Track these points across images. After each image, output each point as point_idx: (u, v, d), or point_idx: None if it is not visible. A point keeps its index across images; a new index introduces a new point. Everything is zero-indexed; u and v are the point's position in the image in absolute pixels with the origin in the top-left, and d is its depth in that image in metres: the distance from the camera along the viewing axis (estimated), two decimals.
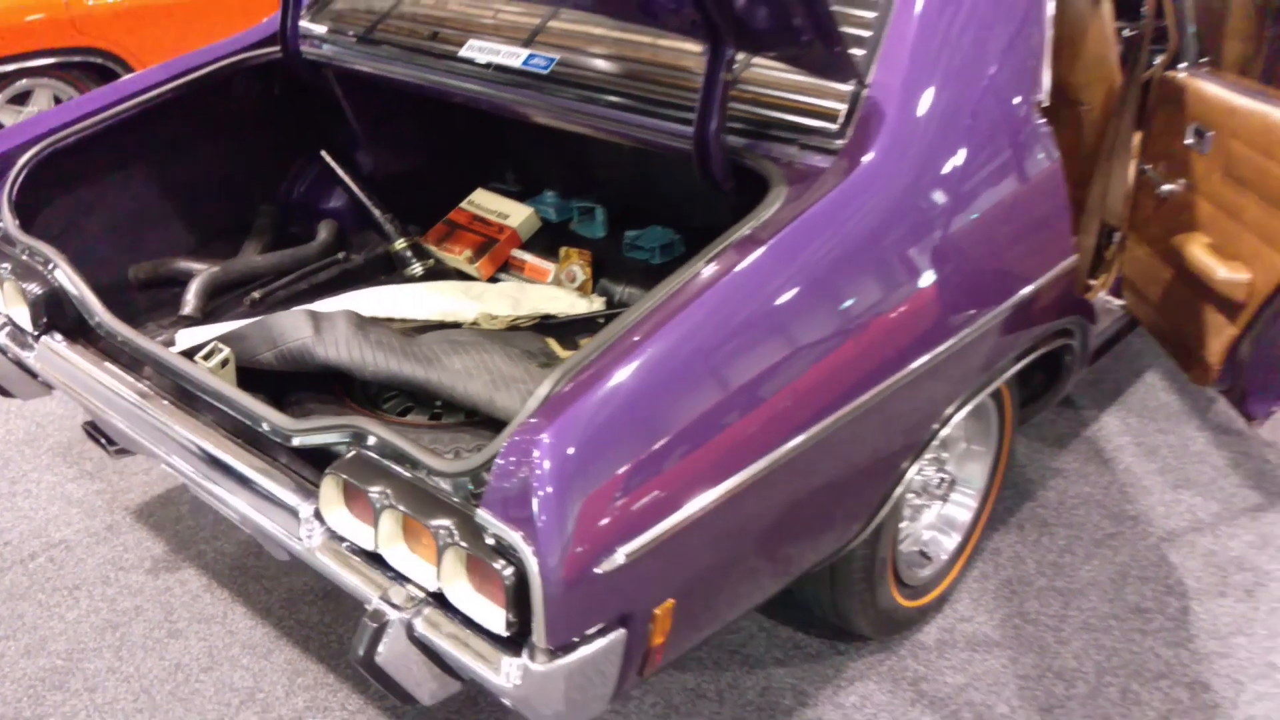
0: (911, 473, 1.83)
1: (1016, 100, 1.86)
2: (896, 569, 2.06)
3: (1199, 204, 2.33)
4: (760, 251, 1.50)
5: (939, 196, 1.70)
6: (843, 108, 1.72)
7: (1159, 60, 2.47)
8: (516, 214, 2.57)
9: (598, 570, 1.24)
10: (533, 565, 1.21)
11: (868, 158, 1.65)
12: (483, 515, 1.26)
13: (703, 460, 1.35)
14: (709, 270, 1.48)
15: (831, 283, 1.54)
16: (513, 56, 2.09)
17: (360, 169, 2.64)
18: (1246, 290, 2.11)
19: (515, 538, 1.22)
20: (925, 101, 1.73)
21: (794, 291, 1.50)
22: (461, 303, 2.26)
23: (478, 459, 1.33)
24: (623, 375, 1.32)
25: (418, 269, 2.51)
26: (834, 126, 1.70)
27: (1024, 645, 2.19)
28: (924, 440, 1.79)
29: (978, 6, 1.85)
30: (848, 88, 1.72)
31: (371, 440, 1.46)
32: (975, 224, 1.75)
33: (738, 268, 1.47)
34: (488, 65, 2.12)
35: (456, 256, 2.53)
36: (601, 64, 1.99)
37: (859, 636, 2.16)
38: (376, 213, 2.56)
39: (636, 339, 1.37)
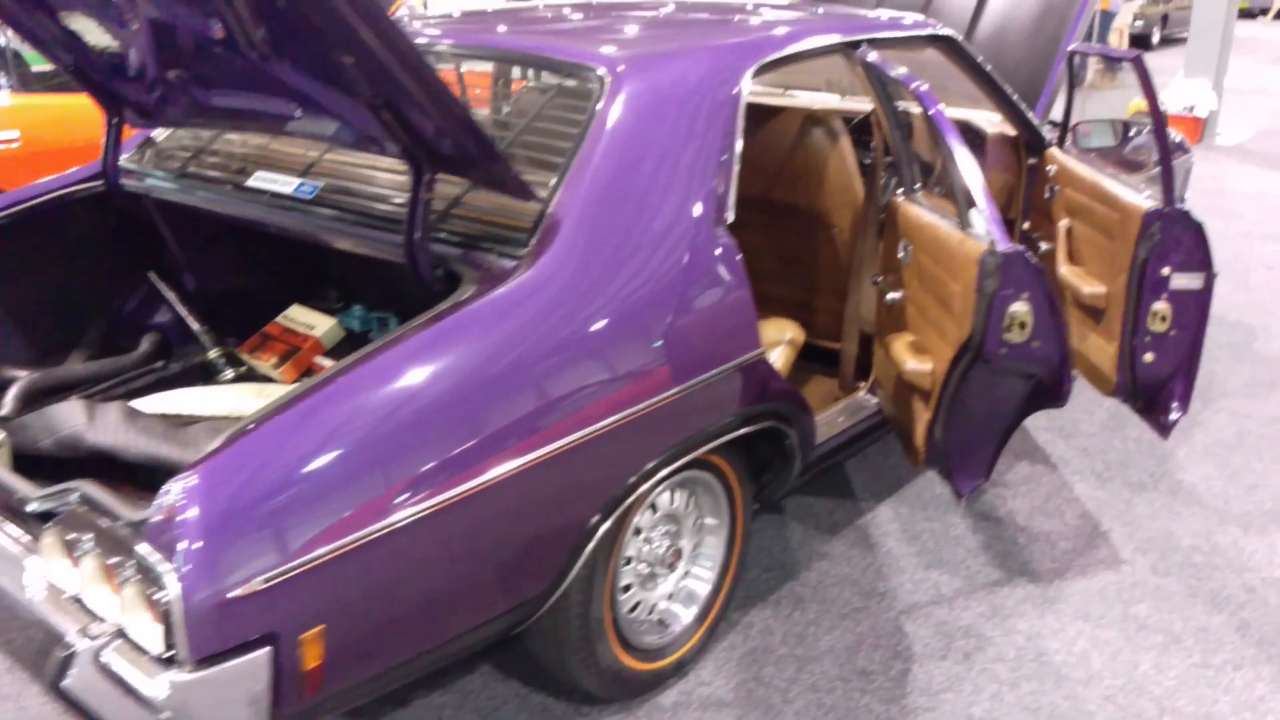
0: (611, 535, 2.09)
1: (696, 217, 2.19)
2: (622, 631, 2.29)
3: (908, 308, 2.67)
4: (428, 331, 1.80)
5: (608, 293, 2.01)
6: (529, 222, 2.04)
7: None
8: (321, 325, 2.86)
9: (234, 593, 1.49)
10: (175, 588, 1.46)
11: (543, 261, 1.97)
12: (142, 548, 1.50)
13: (347, 504, 1.61)
14: (381, 347, 1.77)
15: (496, 356, 1.84)
16: (287, 185, 2.42)
17: (187, 287, 2.93)
18: (930, 379, 2.43)
19: (163, 564, 1.47)
20: (602, 217, 2.06)
21: (457, 360, 1.79)
22: (250, 400, 2.53)
23: (153, 506, 1.58)
24: (276, 430, 1.59)
25: (229, 375, 2.78)
26: (522, 237, 2.03)
27: (752, 705, 2.40)
28: (610, 506, 2.05)
29: (660, 144, 2.21)
30: (535, 206, 2.05)
31: (86, 498, 1.71)
32: (645, 317, 2.05)
33: (403, 343, 1.77)
34: (269, 193, 2.44)
35: (265, 364, 2.80)
36: (353, 187, 2.33)
37: (601, 699, 2.37)
38: (195, 326, 2.85)
39: (302, 401, 1.65)
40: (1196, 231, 2.73)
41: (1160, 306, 2.77)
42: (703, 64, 2.37)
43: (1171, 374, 2.86)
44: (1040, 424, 3.75)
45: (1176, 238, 2.73)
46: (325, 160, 2.47)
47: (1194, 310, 2.78)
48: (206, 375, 2.83)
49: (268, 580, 1.52)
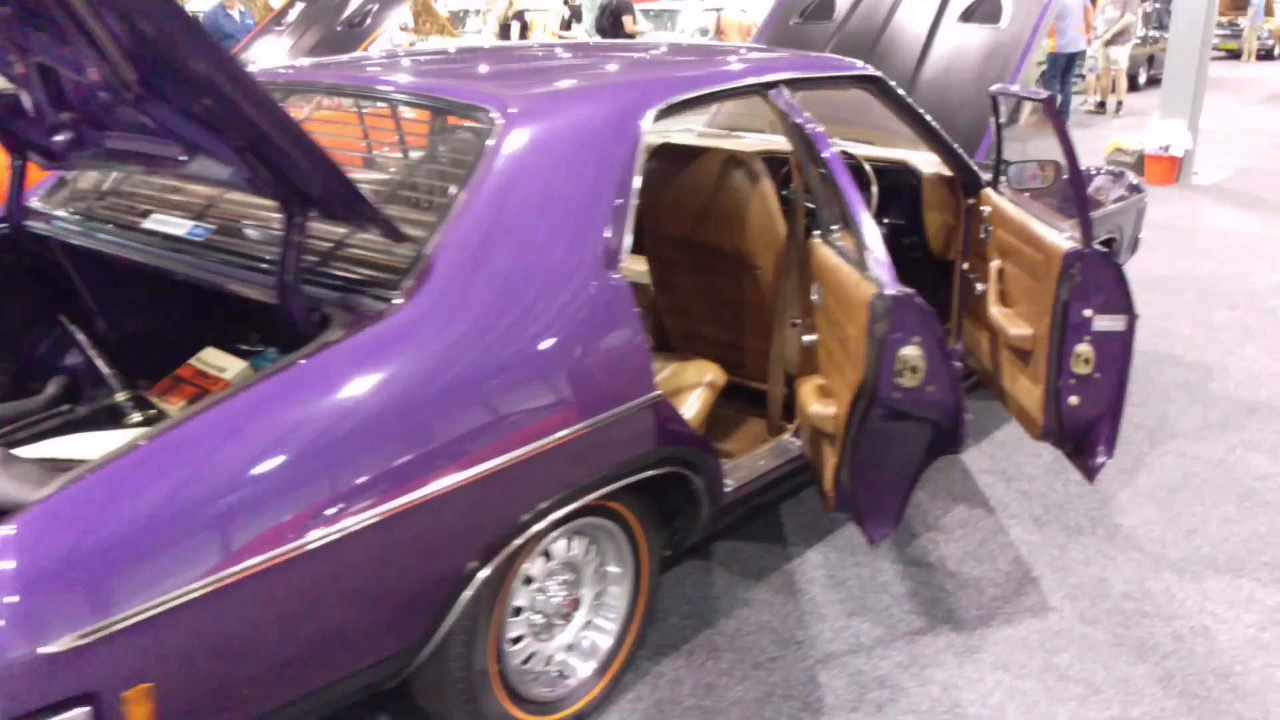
0: (493, 583, 2.04)
1: (585, 260, 2.16)
2: (511, 684, 2.22)
3: (820, 350, 2.63)
4: (280, 376, 1.76)
5: (485, 336, 1.97)
6: (405, 264, 2.01)
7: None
8: (232, 368, 2.82)
9: (48, 649, 1.43)
10: None
11: (413, 304, 1.94)
12: None
13: (180, 557, 1.56)
14: (231, 393, 1.73)
15: (356, 400, 1.79)
16: (180, 227, 2.39)
17: (98, 330, 2.90)
18: (834, 423, 2.38)
19: None
20: (480, 260, 2.03)
21: (311, 405, 1.75)
22: None
23: None
24: (106, 478, 1.55)
25: (137, 418, 2.74)
26: (395, 279, 1.99)
27: None
28: (489, 553, 1.99)
29: (549, 186, 2.18)
30: (411, 248, 2.02)
31: None
32: (525, 360, 2.01)
33: (254, 389, 1.73)
34: (164, 236, 2.42)
35: (174, 407, 2.76)
36: (243, 229, 2.30)
37: None
38: (104, 369, 2.81)
39: (140, 449, 1.60)
40: (1116, 272, 2.69)
41: (1083, 349, 2.73)
42: (599, 106, 2.34)
43: (1097, 417, 2.81)
44: (983, 466, 3.70)
45: (1096, 279, 2.69)
46: (222, 203, 2.44)
47: (1117, 352, 2.74)
48: (114, 418, 2.79)
49: (85, 636, 1.46)
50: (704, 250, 3.12)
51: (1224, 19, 19.60)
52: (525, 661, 2.30)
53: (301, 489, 1.70)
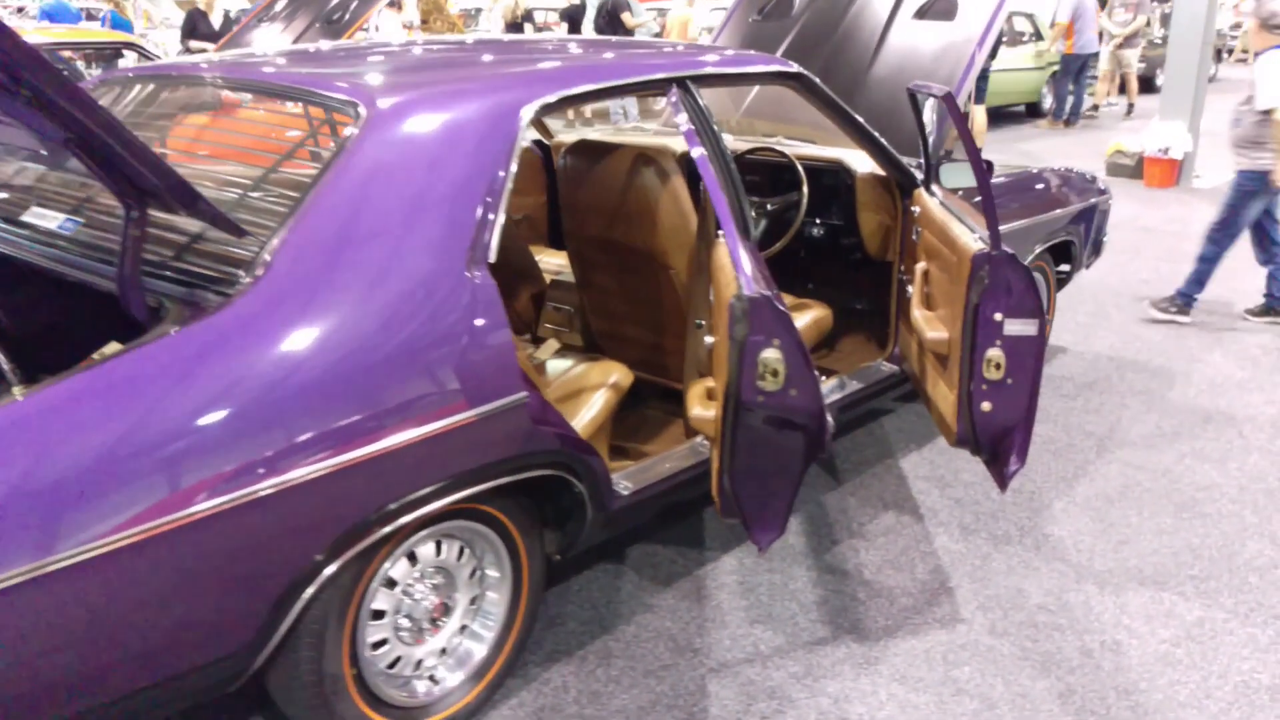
0: (346, 585, 2.00)
1: (444, 258, 2.11)
2: (371, 688, 2.18)
3: (714, 354, 2.57)
4: (104, 367, 1.73)
5: (326, 332, 1.93)
6: (249, 258, 1.97)
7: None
8: None
9: None
10: None
11: (247, 299, 1.90)
12: None
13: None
14: (53, 383, 1.71)
15: (179, 392, 1.76)
16: (54, 220, 2.37)
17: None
18: (714, 427, 2.32)
19: None
20: (325, 256, 1.99)
21: (132, 397, 1.72)
22: None
23: None
24: None
25: None
26: (235, 275, 1.96)
27: None
28: (336, 551, 1.95)
29: (409, 182, 2.14)
30: (252, 244, 1.98)
31: None
32: (371, 358, 1.96)
33: (75, 379, 1.70)
34: (40, 229, 2.39)
35: None
36: (104, 223, 2.27)
37: None
38: (3, 364, 2.79)
39: None
40: (1025, 275, 2.61)
41: (994, 353, 2.66)
42: (472, 102, 2.29)
43: (1011, 424, 2.74)
44: (920, 472, 3.62)
45: (1006, 281, 2.62)
46: (98, 197, 2.41)
47: (1028, 358, 2.66)
48: None
49: None
50: (621, 250, 3.07)
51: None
52: (391, 665, 2.25)
53: (129, 479, 1.67)
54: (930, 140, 3.27)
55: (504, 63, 2.68)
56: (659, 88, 2.66)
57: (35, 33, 5.33)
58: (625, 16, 11.24)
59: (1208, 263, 5.12)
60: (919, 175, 3.37)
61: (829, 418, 2.27)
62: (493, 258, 2.19)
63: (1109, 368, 4.60)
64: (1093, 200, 4.41)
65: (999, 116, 12.18)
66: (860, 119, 3.23)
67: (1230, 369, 4.58)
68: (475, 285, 2.14)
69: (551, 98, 2.39)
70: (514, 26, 13.10)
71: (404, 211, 2.11)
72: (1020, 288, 2.62)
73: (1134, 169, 8.90)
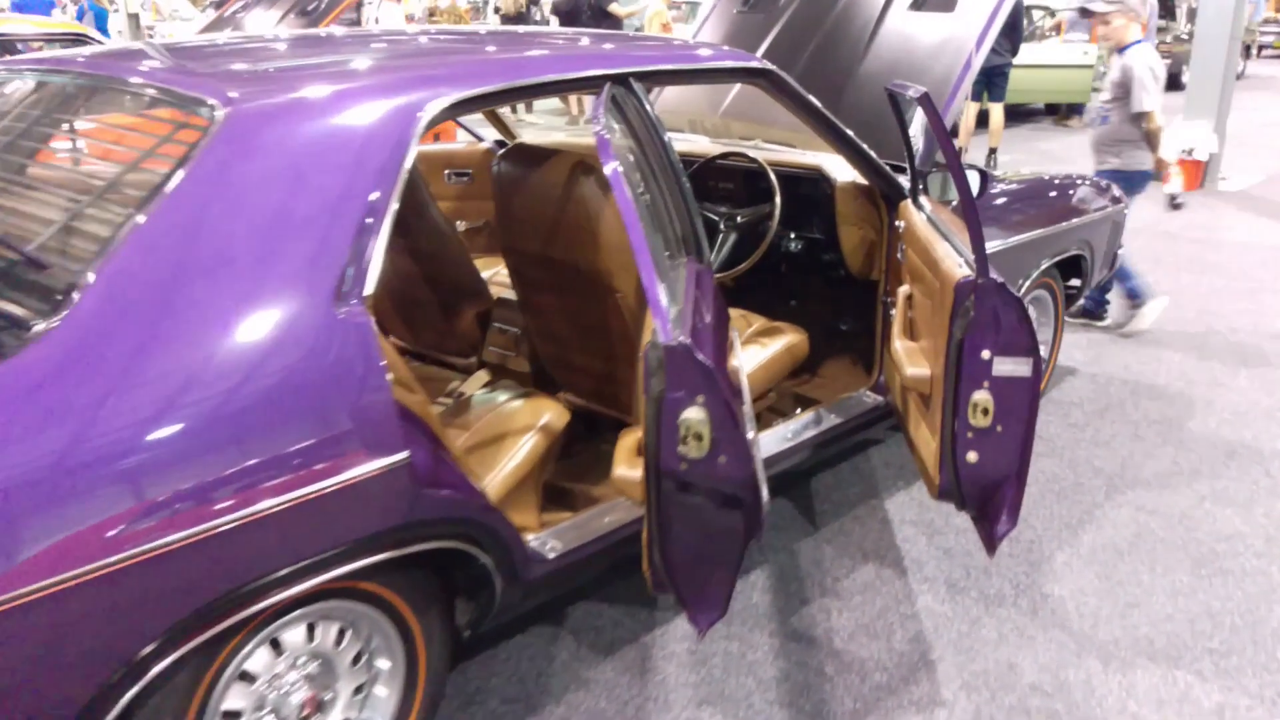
0: (184, 683, 1.66)
1: (306, 290, 1.75)
2: None
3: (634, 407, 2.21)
4: None
5: (143, 382, 1.58)
6: (59, 290, 1.62)
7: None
8: None
9: None
10: None
11: (48, 343, 1.55)
12: None
13: None
14: None
15: None
16: None
17: None
18: (639, 491, 1.95)
19: None
20: (152, 293, 1.63)
21: None
22: None
23: None
24: None
25: None
26: (42, 310, 1.60)
27: None
28: (165, 646, 1.60)
29: (268, 196, 1.79)
30: (64, 273, 1.63)
31: None
32: (202, 414, 1.61)
33: None
34: None
35: None
36: None
37: None
38: None
39: None
40: (1017, 307, 2.24)
41: (981, 397, 2.28)
42: (356, 103, 1.93)
43: (1001, 477, 2.36)
44: (907, 516, 3.24)
45: (994, 314, 2.24)
46: None
47: (1020, 402, 2.29)
48: None
49: None
50: (561, 268, 2.70)
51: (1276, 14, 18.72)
52: None
53: None
54: (916, 146, 2.89)
55: (411, 57, 2.31)
56: (593, 86, 2.29)
57: None
58: (614, 7, 10.83)
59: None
60: (907, 185, 3.00)
61: (764, 492, 1.90)
62: (369, 290, 1.83)
63: (1123, 392, 4.20)
64: (1107, 210, 4.01)
65: (1017, 115, 11.73)
66: (837, 121, 2.86)
67: (1257, 395, 4.17)
68: (345, 324, 1.78)
69: (453, 99, 2.02)
70: (514, 19, 12.71)
71: (258, 235, 1.75)
72: (1011, 321, 2.24)
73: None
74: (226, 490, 1.62)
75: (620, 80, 2.38)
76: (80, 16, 11.49)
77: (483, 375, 2.75)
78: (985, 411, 2.29)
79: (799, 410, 3.13)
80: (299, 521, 1.72)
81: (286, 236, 1.77)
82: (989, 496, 2.40)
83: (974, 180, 2.94)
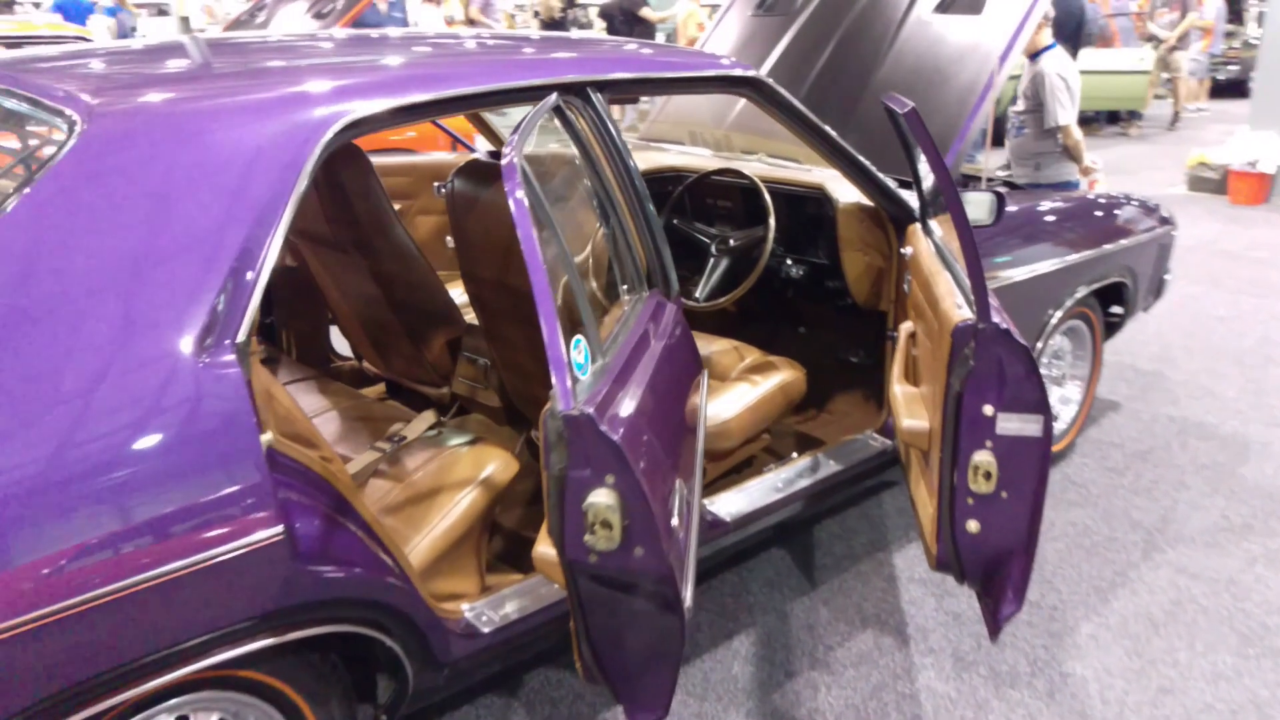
0: None
1: (169, 337, 1.49)
2: None
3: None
4: None
5: None
6: None
7: None
8: None
9: None
10: None
11: None
12: None
13: None
14: None
15: None
16: None
17: None
18: (559, 573, 1.66)
19: None
20: None
21: None
22: None
23: None
24: None
25: None
26: None
27: None
28: None
29: (122, 227, 1.53)
30: None
31: None
32: (33, 484, 1.36)
33: None
34: None
35: None
36: None
37: None
38: None
39: None
40: (1024, 357, 1.92)
41: (983, 458, 1.97)
42: (245, 118, 1.67)
43: (1005, 551, 2.04)
44: (916, 573, 2.92)
45: (998, 364, 1.93)
46: None
47: (1030, 466, 1.97)
48: None
49: None
50: (521, 296, 2.43)
51: None
52: None
53: None
54: (920, 161, 2.57)
55: (320, 67, 2.03)
56: (539, 97, 2.00)
57: None
58: (645, 11, 10.53)
59: None
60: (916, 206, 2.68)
61: (686, 595, 1.60)
62: (242, 336, 1.56)
63: (1169, 432, 3.82)
64: (1154, 231, 3.64)
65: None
66: (835, 136, 2.55)
67: None
68: (208, 376, 1.51)
69: (357, 116, 1.75)
70: (552, 25, 12.46)
71: (104, 272, 1.50)
72: (1017, 372, 1.93)
73: (1218, 184, 7.98)
74: (56, 573, 1.37)
75: (576, 90, 2.10)
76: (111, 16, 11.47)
77: (429, 416, 2.49)
78: (988, 475, 1.97)
79: (795, 454, 2.82)
80: (151, 607, 1.46)
81: (140, 274, 1.51)
82: (992, 572, 2.09)
83: (986, 204, 2.61)
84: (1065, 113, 4.27)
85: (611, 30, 10.75)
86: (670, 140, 3.71)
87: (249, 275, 1.58)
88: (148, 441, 1.45)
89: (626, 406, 1.57)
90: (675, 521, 1.61)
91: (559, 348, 1.41)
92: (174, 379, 1.49)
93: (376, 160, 3.91)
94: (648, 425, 1.64)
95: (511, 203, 1.46)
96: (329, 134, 1.71)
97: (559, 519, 1.43)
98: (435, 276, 2.84)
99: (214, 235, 1.57)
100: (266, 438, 1.55)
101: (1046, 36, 4.37)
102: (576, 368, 1.53)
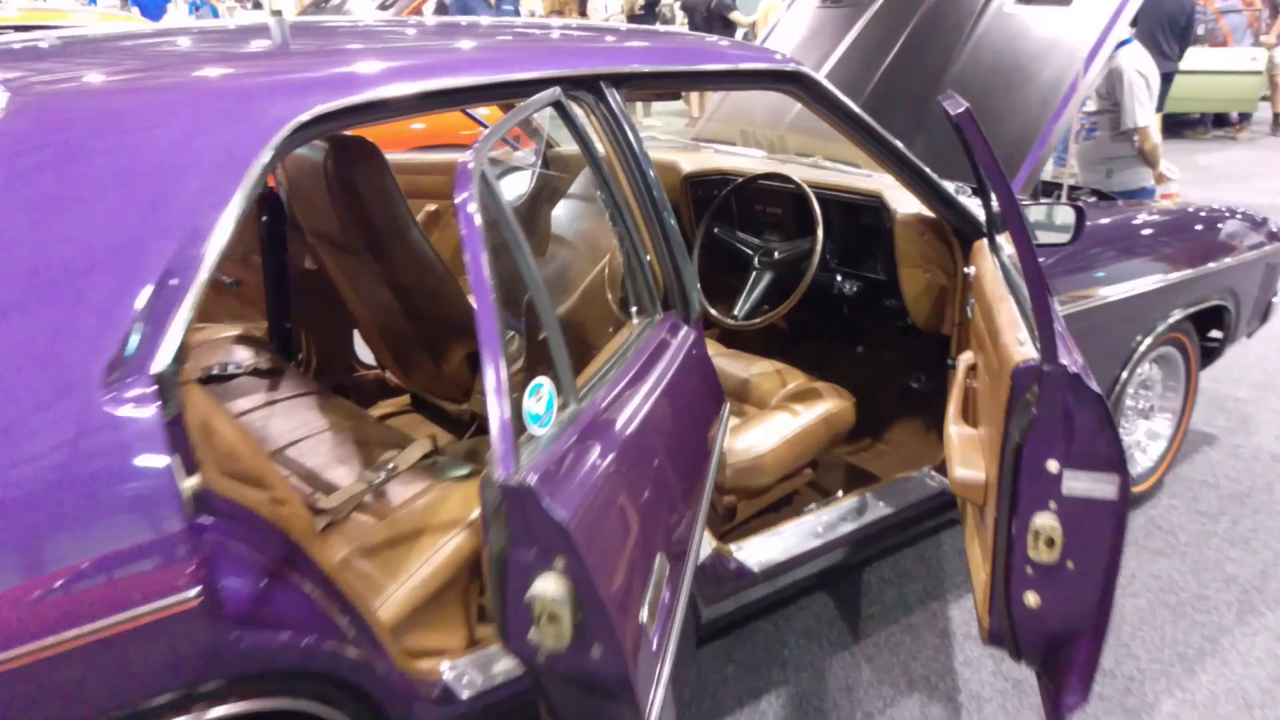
0: None
1: (61, 372, 1.29)
2: None
3: None
4: None
5: None
6: None
7: None
8: None
9: None
10: None
11: None
12: None
13: None
14: None
15: None
16: None
17: None
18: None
19: None
20: None
21: None
22: None
23: None
24: None
25: None
26: None
27: None
28: None
29: (31, 239, 1.32)
30: None
31: None
32: None
33: None
34: None
35: None
36: None
37: None
38: None
39: None
40: (1096, 406, 1.62)
41: (1046, 522, 1.68)
42: (175, 115, 1.46)
43: (1069, 631, 1.75)
44: (974, 630, 2.61)
45: (1065, 413, 1.63)
46: None
47: (1102, 533, 1.67)
48: None
49: None
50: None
51: None
52: None
53: None
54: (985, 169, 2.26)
55: (284, 56, 1.80)
56: (538, 90, 1.75)
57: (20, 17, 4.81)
58: (736, 16, 10.20)
59: None
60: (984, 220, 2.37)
61: (653, 708, 1.34)
62: (161, 365, 1.35)
63: (1272, 473, 3.43)
64: (1262, 249, 3.25)
65: (1174, 125, 10.62)
66: (892, 139, 2.27)
67: None
68: (113, 414, 1.30)
69: (317, 112, 1.52)
70: (639, 19, 12.21)
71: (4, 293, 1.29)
72: (1089, 423, 1.63)
73: None
74: None
75: (586, 84, 1.86)
76: (193, 11, 11.57)
77: (425, 444, 2.27)
78: (1051, 542, 1.68)
79: (841, 492, 2.54)
80: (51, 678, 1.26)
81: (38, 293, 1.30)
82: (1054, 653, 1.79)
83: (1066, 218, 2.28)
84: (1144, 113, 3.89)
85: (692, 26, 10.47)
86: (723, 140, 3.44)
87: (174, 295, 1.36)
88: (55, 491, 1.25)
89: (592, 467, 1.32)
90: (645, 616, 1.35)
91: (502, 402, 1.16)
92: (66, 416, 1.27)
93: (410, 157, 3.72)
94: (624, 487, 1.38)
95: (459, 216, 1.22)
96: (283, 132, 1.48)
97: (500, 609, 1.18)
98: (455, 284, 2.62)
99: (131, 248, 1.36)
100: (192, 482, 1.34)
101: (1124, 30, 4.00)
102: (532, 420, 1.28)
